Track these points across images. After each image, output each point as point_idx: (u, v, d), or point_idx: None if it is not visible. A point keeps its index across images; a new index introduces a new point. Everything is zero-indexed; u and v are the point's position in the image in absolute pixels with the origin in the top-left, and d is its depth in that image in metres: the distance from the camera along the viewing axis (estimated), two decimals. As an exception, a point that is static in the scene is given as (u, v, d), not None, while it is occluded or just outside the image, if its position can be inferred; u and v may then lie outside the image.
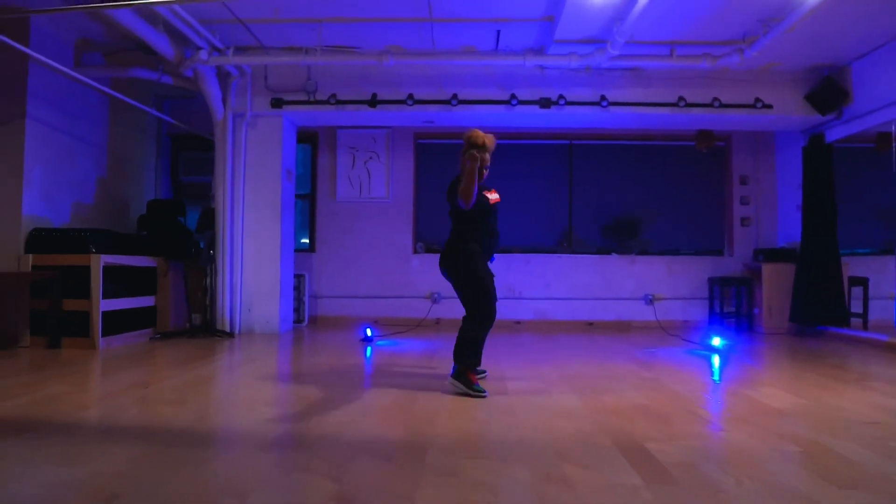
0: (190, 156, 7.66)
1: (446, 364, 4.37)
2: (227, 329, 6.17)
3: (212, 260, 6.23)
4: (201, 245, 6.32)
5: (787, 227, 7.18)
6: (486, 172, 3.60)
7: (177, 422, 2.78)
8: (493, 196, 3.70)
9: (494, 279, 3.64)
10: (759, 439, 2.58)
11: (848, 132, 6.08)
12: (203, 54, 5.44)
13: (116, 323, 5.30)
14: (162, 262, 5.95)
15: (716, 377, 4.17)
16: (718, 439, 2.60)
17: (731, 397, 3.46)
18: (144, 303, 5.74)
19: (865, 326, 6.55)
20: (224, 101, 6.23)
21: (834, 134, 6.22)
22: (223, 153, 6.26)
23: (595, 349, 5.53)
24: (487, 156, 3.57)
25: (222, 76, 6.14)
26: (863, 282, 6.70)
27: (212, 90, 6.05)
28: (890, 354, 5.18)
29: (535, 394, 3.50)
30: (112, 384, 3.66)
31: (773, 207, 7.33)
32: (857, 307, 6.53)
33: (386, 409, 3.10)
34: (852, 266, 6.62)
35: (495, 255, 3.83)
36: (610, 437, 2.59)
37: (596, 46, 5.36)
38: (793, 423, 2.85)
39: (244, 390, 3.57)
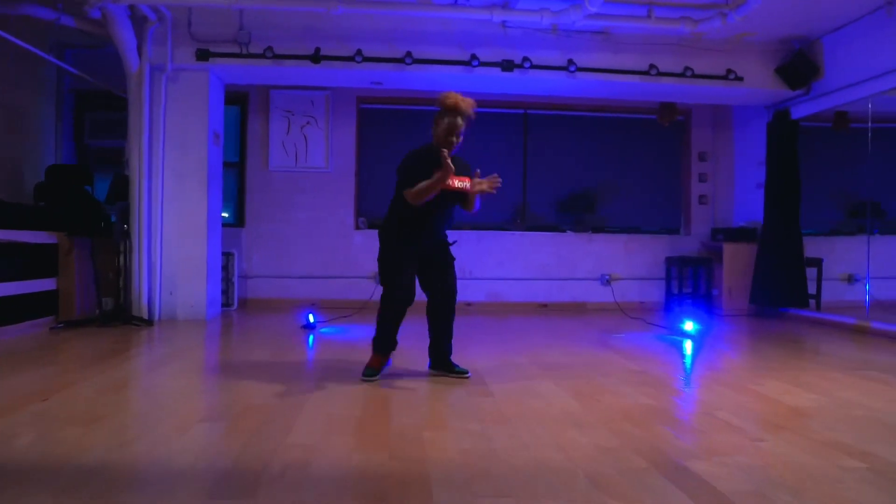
0: (97, 116, 6.66)
1: (404, 356, 3.79)
2: (146, 315, 5.35)
3: (126, 236, 5.36)
4: (112, 219, 5.44)
5: (744, 206, 6.98)
6: (455, 140, 3.23)
7: (89, 451, 2.09)
8: (452, 183, 3.18)
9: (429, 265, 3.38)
10: (808, 452, 2.20)
11: (815, 109, 5.87)
12: (114, -10, 4.55)
13: (8, 311, 4.41)
14: (64, 238, 5.04)
15: (701, 368, 3.83)
16: (764, 453, 2.19)
17: (740, 395, 3.09)
18: (43, 286, 4.84)
19: (819, 307, 6.47)
20: (139, 51, 5.32)
21: (800, 111, 6.01)
22: (139, 112, 5.37)
23: (559, 334, 5.14)
24: (459, 120, 3.22)
25: (137, 21, 5.22)
26: (817, 263, 6.61)
27: (124, 36, 5.14)
28: (862, 338, 5.04)
29: (523, 393, 3.04)
30: (2, 393, 2.89)
31: (730, 185, 7.12)
32: (810, 288, 6.42)
33: (357, 422, 2.52)
34: (806, 247, 6.48)
35: (448, 231, 3.46)
36: (641, 455, 2.14)
37: (571, 2, 4.85)
38: (829, 428, 2.50)
39: (173, 399, 2.89)
